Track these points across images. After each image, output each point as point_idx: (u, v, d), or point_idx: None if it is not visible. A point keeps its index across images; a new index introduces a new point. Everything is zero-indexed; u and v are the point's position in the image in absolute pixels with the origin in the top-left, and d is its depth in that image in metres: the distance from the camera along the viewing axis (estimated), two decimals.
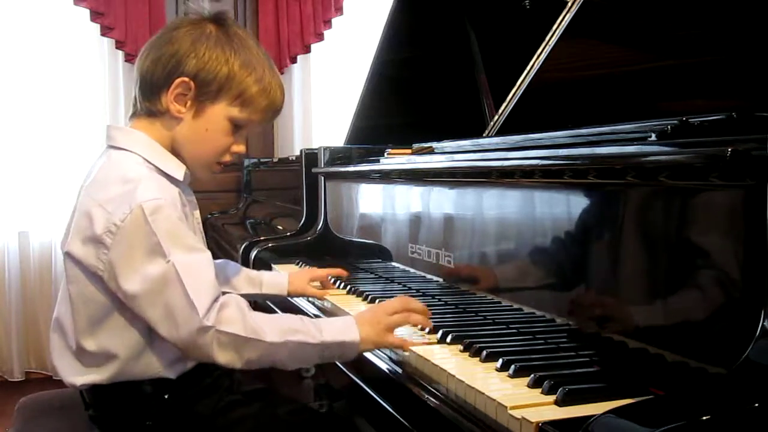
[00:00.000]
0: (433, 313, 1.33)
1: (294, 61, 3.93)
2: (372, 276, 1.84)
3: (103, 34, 3.57)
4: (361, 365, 1.27)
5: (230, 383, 1.34)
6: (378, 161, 2.05)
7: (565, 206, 1.15)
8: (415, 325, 1.26)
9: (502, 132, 1.61)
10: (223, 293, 1.18)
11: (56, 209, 3.46)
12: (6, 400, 2.98)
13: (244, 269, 1.62)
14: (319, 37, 3.93)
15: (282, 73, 3.87)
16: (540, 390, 0.89)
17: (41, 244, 3.60)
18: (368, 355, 1.25)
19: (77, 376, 1.22)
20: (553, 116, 1.50)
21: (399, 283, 1.68)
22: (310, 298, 1.68)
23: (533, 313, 1.21)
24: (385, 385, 1.19)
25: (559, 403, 0.84)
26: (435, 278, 1.57)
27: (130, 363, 1.20)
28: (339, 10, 3.95)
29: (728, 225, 0.85)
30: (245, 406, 1.32)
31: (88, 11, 3.51)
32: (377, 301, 1.48)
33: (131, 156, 1.22)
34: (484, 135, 1.68)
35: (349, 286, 1.67)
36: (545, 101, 1.56)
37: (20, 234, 3.56)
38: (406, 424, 1.08)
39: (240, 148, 1.29)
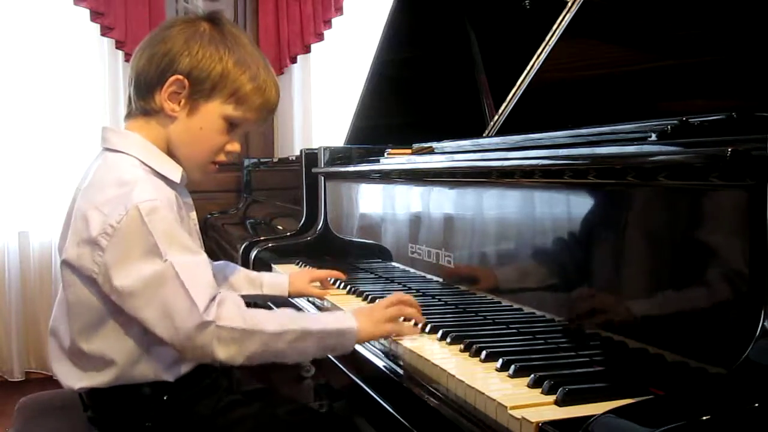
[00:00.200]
0: (433, 313, 1.34)
1: (294, 61, 3.93)
2: (372, 276, 1.84)
3: (103, 34, 3.57)
4: (361, 365, 1.27)
5: (229, 383, 1.34)
6: (378, 161, 2.05)
7: (565, 206, 1.15)
8: (408, 320, 1.27)
9: (502, 132, 1.61)
10: None
11: (56, 209, 3.46)
12: (6, 400, 2.98)
13: (244, 270, 1.61)
14: (319, 37, 3.93)
15: (282, 73, 3.87)
16: (540, 390, 0.89)
17: (41, 244, 3.60)
18: (368, 354, 1.26)
19: (75, 380, 1.22)
20: (553, 116, 1.50)
21: (399, 283, 1.68)
22: (310, 299, 1.67)
23: (533, 313, 1.21)
24: (385, 385, 1.19)
25: (559, 403, 0.84)
26: (435, 278, 1.57)
27: (128, 368, 1.20)
28: (339, 10, 3.95)
29: (728, 225, 0.85)
30: (245, 407, 1.31)
31: (88, 11, 3.51)
32: (377, 300, 1.48)
33: (127, 158, 1.21)
34: (484, 135, 1.68)
35: (349, 286, 1.67)
36: (545, 101, 1.56)
37: (20, 234, 3.56)
38: (406, 424, 1.08)
39: (235, 147, 1.28)
